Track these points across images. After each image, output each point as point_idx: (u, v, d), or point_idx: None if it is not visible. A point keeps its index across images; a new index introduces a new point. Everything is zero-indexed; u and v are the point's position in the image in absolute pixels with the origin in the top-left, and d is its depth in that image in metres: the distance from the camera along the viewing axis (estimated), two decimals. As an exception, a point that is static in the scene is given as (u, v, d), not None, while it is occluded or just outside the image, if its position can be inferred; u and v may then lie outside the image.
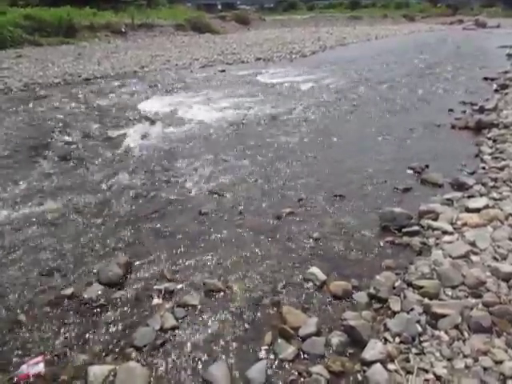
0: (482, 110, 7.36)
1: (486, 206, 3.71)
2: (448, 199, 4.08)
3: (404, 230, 3.58)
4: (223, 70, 13.51)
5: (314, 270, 3.04)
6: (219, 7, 44.67)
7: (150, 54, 17.65)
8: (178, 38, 25.95)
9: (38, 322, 2.67)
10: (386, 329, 2.43)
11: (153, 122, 7.47)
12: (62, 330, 2.59)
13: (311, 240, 3.55)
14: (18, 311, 2.76)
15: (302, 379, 2.17)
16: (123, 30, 25.09)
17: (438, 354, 2.21)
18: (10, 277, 3.13)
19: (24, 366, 2.27)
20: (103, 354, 2.40)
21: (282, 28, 35.76)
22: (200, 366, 2.28)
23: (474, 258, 2.98)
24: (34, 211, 4.19)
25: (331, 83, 11.00)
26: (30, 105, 9.06)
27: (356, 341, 2.38)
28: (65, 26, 22.13)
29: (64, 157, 5.78)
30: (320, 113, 7.97)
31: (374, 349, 2.25)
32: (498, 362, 2.10)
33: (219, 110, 8.30)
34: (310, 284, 2.95)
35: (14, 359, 2.36)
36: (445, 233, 3.42)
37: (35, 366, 2.27)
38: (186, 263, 3.27)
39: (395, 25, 41.38)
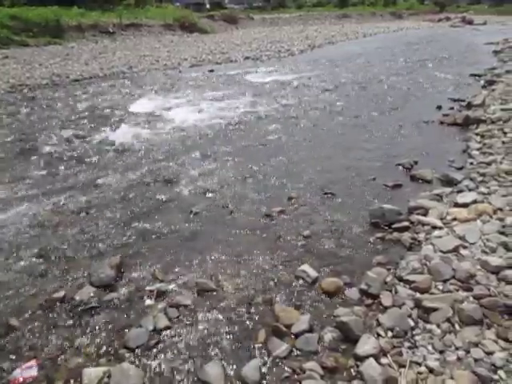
0: (469, 106, 7.44)
1: (475, 201, 3.76)
2: (437, 195, 4.12)
3: (394, 226, 3.61)
4: (212, 70, 13.49)
5: (306, 267, 3.06)
6: (208, 6, 44.45)
7: (138, 54, 17.57)
8: (167, 37, 25.85)
9: (31, 325, 2.65)
10: (378, 324, 2.46)
11: (142, 123, 7.44)
12: (55, 333, 2.57)
13: (302, 238, 3.57)
14: (10, 315, 2.73)
15: (295, 376, 2.18)
16: (111, 30, 24.92)
17: (430, 347, 2.24)
18: (0, 281, 3.10)
19: (17, 371, 2.26)
20: (97, 356, 2.39)
21: (271, 27, 35.80)
22: (194, 366, 2.29)
23: (463, 251, 3.02)
24: (23, 214, 4.15)
25: (319, 82, 11.03)
26: (18, 106, 8.97)
27: (349, 336, 2.40)
28: (52, 26, 21.94)
29: (53, 159, 5.74)
30: (309, 112, 7.99)
31: (366, 344, 2.28)
32: (489, 353, 2.15)
33: (208, 110, 8.29)
34: (302, 281, 2.97)
35: (7, 364, 2.34)
36: (434, 228, 3.46)
37: (29, 370, 2.26)
38: (178, 263, 3.27)
39: (383, 22, 41.68)
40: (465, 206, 3.73)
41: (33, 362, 2.31)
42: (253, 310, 2.72)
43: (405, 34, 28.66)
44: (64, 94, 10.37)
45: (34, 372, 2.25)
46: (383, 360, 2.19)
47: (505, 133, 5.61)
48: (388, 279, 2.87)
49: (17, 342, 2.52)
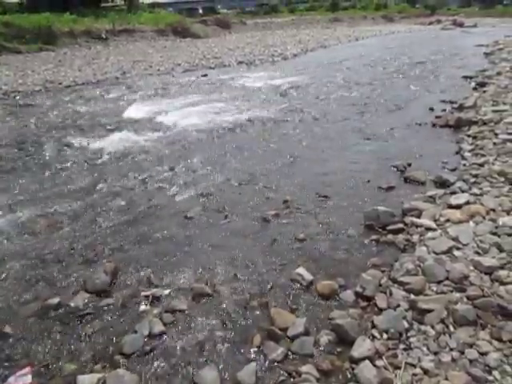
0: (461, 107, 7.48)
1: (468, 202, 3.78)
2: (431, 196, 4.14)
3: (388, 228, 3.62)
4: (205, 75, 13.51)
5: (301, 270, 3.06)
6: (200, 12, 44.58)
7: (131, 59, 17.58)
8: (160, 42, 25.90)
9: (25, 332, 2.63)
10: (374, 326, 2.46)
11: (136, 129, 7.43)
12: (50, 340, 2.56)
13: (297, 241, 3.57)
14: (4, 322, 2.71)
15: (291, 379, 2.18)
16: (104, 35, 24.94)
17: (424, 349, 2.25)
18: (-6, 288, 3.08)
19: (11, 378, 2.24)
20: (92, 362, 2.38)
21: (264, 31, 35.96)
22: (190, 371, 2.28)
23: (457, 253, 3.04)
24: (17, 220, 4.14)
25: (313, 86, 11.06)
26: (11, 113, 8.94)
27: (344, 339, 2.40)
28: (44, 32, 21.94)
29: (45, 165, 5.72)
30: (302, 116, 8.01)
31: (362, 346, 2.28)
32: (484, 354, 2.15)
33: (202, 115, 8.28)
34: (297, 284, 2.97)
35: (1, 371, 2.33)
36: (428, 229, 3.47)
37: (23, 378, 2.23)
38: (173, 268, 3.26)
39: (375, 26, 41.89)
40: (458, 207, 3.74)
41: (27, 369, 2.29)
42: (248, 314, 2.71)
43: (396, 37, 28.81)
44: (57, 100, 10.35)
45: (28, 379, 2.23)
46: (378, 362, 2.19)
47: (496, 134, 5.66)
48: (383, 281, 2.88)
49: (11, 349, 2.50)
